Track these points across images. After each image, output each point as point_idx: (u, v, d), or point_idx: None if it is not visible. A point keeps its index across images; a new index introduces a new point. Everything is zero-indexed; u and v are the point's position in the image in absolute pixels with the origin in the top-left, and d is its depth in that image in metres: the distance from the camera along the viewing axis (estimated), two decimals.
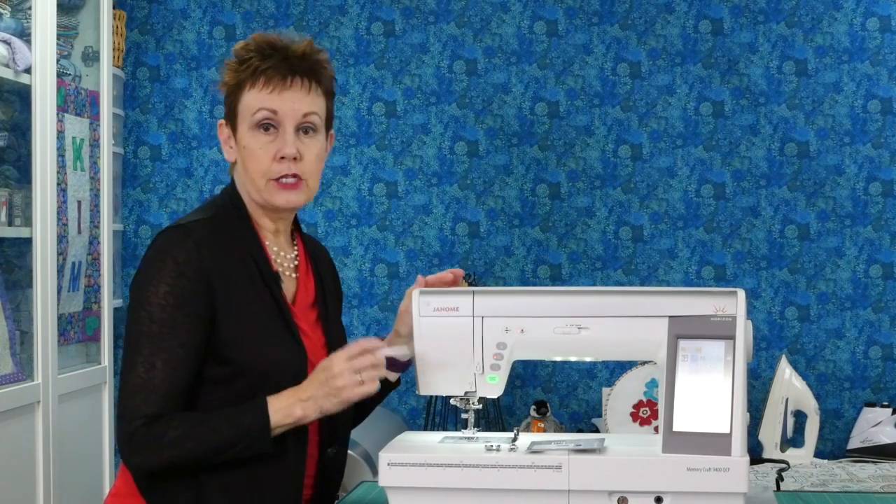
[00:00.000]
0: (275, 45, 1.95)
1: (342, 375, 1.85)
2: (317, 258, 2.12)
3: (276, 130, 1.94)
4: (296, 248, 2.07)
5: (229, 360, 1.89)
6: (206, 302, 1.88)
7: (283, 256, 2.03)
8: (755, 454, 3.47)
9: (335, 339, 2.05)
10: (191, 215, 1.97)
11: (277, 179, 1.94)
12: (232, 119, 1.98)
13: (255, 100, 1.93)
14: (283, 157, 1.94)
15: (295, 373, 1.92)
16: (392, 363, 2.13)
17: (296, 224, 2.10)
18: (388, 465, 1.89)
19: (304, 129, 1.96)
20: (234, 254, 1.93)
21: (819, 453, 4.09)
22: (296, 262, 2.05)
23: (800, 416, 3.96)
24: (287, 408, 1.86)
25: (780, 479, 2.28)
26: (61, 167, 3.47)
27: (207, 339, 1.89)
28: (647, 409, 3.80)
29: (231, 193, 2.01)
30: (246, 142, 1.95)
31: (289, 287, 2.01)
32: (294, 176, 1.95)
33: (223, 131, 2.00)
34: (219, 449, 1.85)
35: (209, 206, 2.00)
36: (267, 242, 2.00)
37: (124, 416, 1.85)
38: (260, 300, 1.93)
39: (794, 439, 3.98)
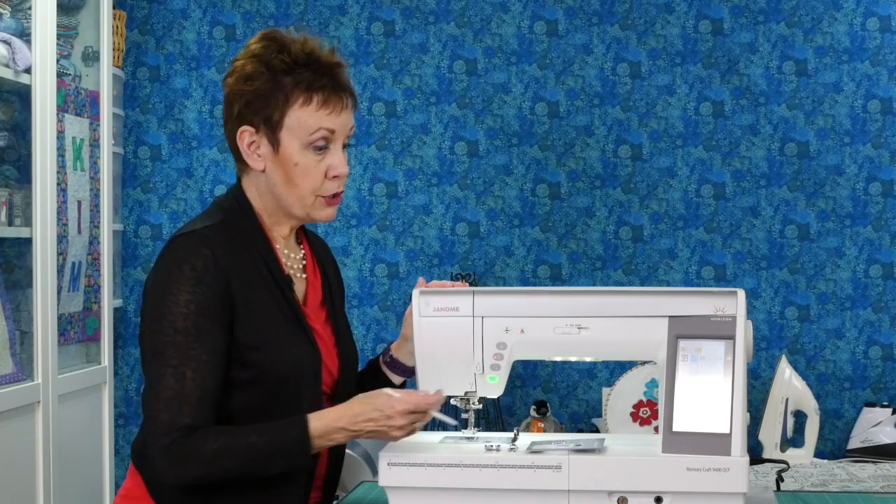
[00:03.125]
0: (318, 57, 1.92)
1: (402, 429, 1.85)
2: (319, 253, 2.12)
3: (326, 147, 1.93)
4: (302, 248, 2.07)
5: (250, 363, 1.89)
6: (226, 307, 1.87)
7: (292, 258, 2.03)
8: (755, 454, 3.47)
9: (344, 337, 2.06)
10: (199, 220, 1.95)
11: (325, 196, 1.94)
12: (271, 129, 1.92)
13: (312, 119, 1.90)
14: (335, 176, 1.93)
15: (311, 374, 1.92)
16: (397, 367, 2.13)
17: None
18: (388, 465, 1.89)
19: (345, 144, 1.96)
20: (247, 258, 1.92)
21: (819, 453, 4.09)
22: (303, 263, 2.05)
23: (800, 416, 3.96)
24: (330, 433, 1.85)
25: (780, 479, 2.28)
26: (61, 167, 3.47)
27: (230, 344, 1.88)
28: (647, 409, 3.80)
29: (239, 197, 1.98)
30: (297, 159, 1.91)
31: (299, 288, 2.01)
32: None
33: (245, 138, 1.94)
34: (256, 466, 1.84)
35: (216, 211, 1.97)
36: (277, 246, 2.00)
37: (159, 429, 1.82)
38: (275, 304, 1.92)
39: (794, 439, 3.98)
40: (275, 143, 1.92)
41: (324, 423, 1.85)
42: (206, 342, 1.84)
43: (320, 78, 1.90)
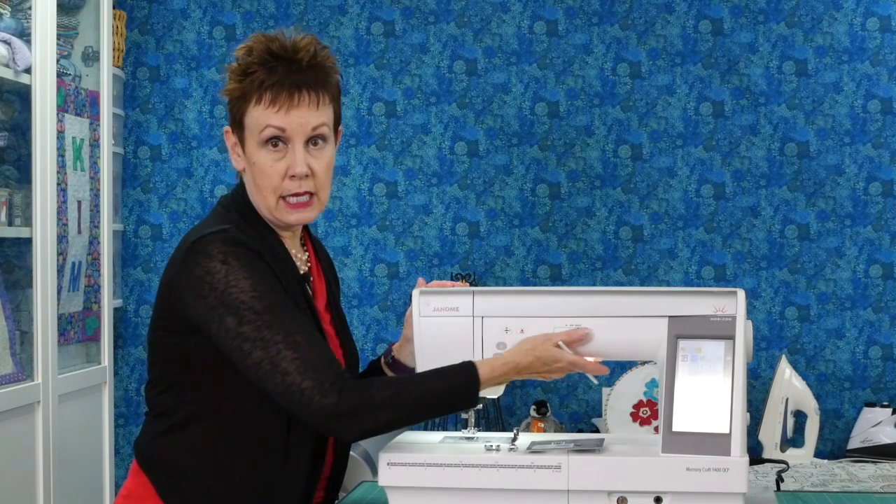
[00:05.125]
0: (278, 54, 1.90)
1: (561, 371, 1.92)
2: (320, 256, 2.12)
3: (284, 146, 1.91)
4: (306, 251, 2.07)
5: None
6: (281, 283, 1.88)
7: (300, 258, 2.03)
8: (755, 454, 3.47)
9: (347, 340, 2.06)
10: (215, 222, 1.92)
11: (287, 198, 1.92)
12: (238, 130, 1.94)
13: (261, 116, 1.89)
14: (293, 176, 1.91)
15: None
16: (399, 368, 2.13)
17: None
18: (388, 465, 1.89)
19: (313, 141, 1.93)
20: (270, 256, 1.91)
21: (819, 453, 4.09)
22: (308, 265, 2.05)
23: (800, 416, 3.96)
24: (500, 377, 1.89)
25: (780, 479, 2.28)
26: (61, 167, 3.47)
27: None
28: (647, 409, 3.80)
29: (245, 199, 1.98)
30: (255, 158, 1.91)
31: (310, 288, 2.02)
32: (306, 193, 1.93)
33: (230, 138, 1.97)
34: (428, 411, 1.86)
35: (225, 215, 1.96)
36: (286, 245, 2.00)
37: (313, 396, 1.77)
38: (298, 301, 1.92)
39: (794, 439, 3.98)
40: (242, 144, 1.94)
41: (491, 370, 1.88)
42: (291, 309, 1.84)
43: (272, 75, 1.89)
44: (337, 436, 1.84)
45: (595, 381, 2.04)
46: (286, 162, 1.91)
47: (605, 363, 1.97)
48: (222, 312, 1.82)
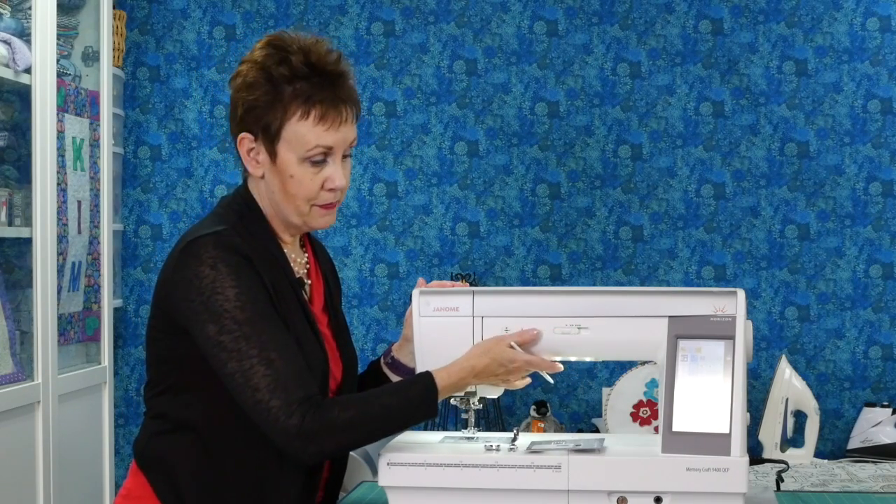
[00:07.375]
0: (315, 66, 1.88)
1: (518, 372, 1.94)
2: (320, 258, 2.12)
3: (324, 161, 1.91)
4: (306, 253, 2.07)
5: None
6: (269, 296, 1.87)
7: (298, 262, 2.02)
8: (755, 454, 3.47)
9: (345, 342, 2.06)
10: (212, 223, 1.92)
11: (320, 204, 1.93)
12: (268, 138, 1.90)
13: (310, 135, 1.88)
14: (332, 188, 1.91)
15: (320, 376, 1.91)
16: (399, 368, 2.13)
17: None
18: (388, 465, 1.89)
19: (345, 153, 1.94)
20: (264, 259, 1.91)
21: (819, 453, 4.09)
22: (307, 268, 2.05)
23: (800, 416, 3.96)
24: (458, 383, 1.91)
25: (780, 479, 2.28)
26: (61, 167, 3.47)
27: None
28: (647, 409, 3.80)
29: (247, 199, 1.97)
30: (293, 171, 1.90)
31: (306, 292, 2.01)
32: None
33: (245, 144, 1.93)
34: (388, 426, 1.87)
35: (227, 213, 1.95)
36: (285, 250, 2.00)
37: (280, 415, 1.79)
38: (291, 305, 1.92)
39: (794, 439, 3.98)
40: (272, 154, 1.91)
41: (448, 376, 1.90)
42: (272, 323, 1.84)
43: (320, 90, 1.88)
44: (299, 457, 1.83)
45: (551, 380, 2.03)
46: (324, 174, 1.91)
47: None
48: (205, 318, 1.83)
